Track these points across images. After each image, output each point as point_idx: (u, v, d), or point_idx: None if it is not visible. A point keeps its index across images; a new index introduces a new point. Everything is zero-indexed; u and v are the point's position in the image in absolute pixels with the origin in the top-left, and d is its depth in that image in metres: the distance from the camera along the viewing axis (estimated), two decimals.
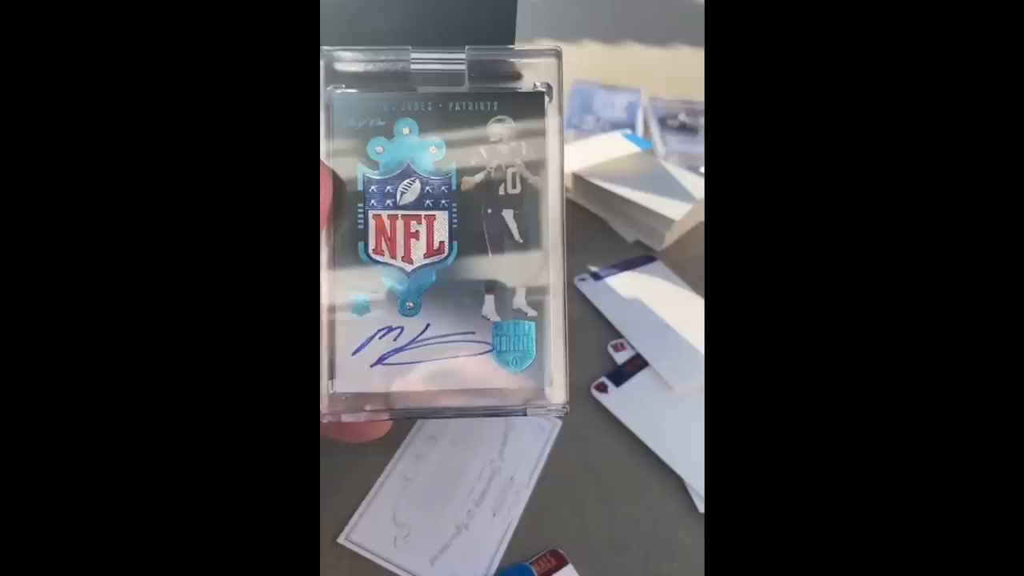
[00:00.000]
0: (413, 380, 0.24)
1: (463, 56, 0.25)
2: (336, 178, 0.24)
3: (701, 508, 0.38)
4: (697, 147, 0.67)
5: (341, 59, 0.24)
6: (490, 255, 0.24)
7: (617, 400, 0.43)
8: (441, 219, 0.24)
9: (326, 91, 0.24)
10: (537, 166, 0.25)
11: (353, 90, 0.24)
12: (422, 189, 0.24)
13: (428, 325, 0.24)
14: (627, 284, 0.52)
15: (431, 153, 0.24)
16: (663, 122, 0.70)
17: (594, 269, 0.53)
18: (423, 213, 0.24)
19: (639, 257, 0.55)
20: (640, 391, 0.44)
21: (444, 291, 0.24)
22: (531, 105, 0.25)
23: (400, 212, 0.24)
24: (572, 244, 0.25)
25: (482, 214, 0.24)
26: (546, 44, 0.25)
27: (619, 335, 0.48)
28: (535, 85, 0.25)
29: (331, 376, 0.24)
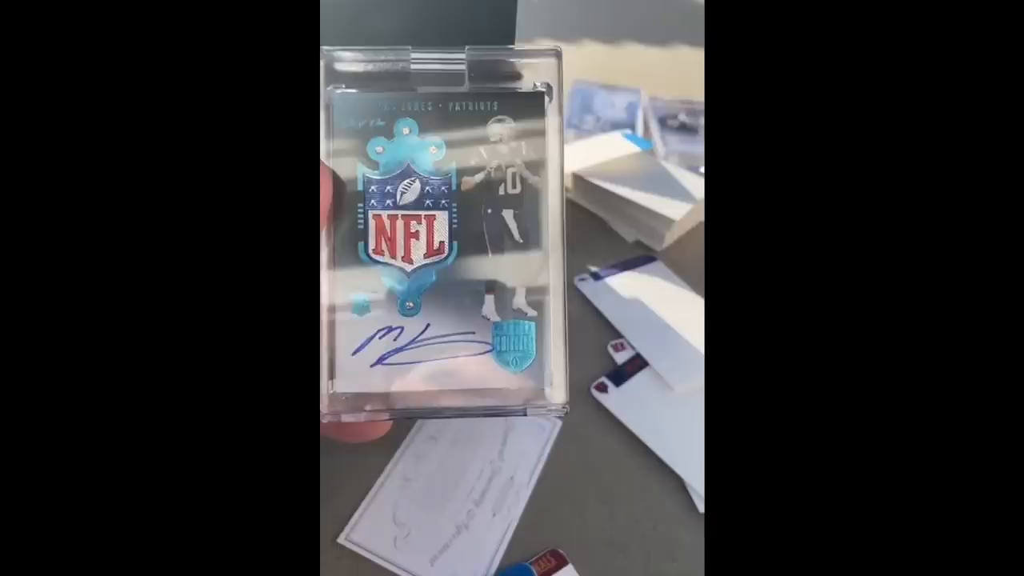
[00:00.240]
0: (413, 380, 0.24)
1: (463, 56, 0.25)
2: (336, 178, 0.24)
3: (701, 508, 0.38)
4: (697, 147, 0.67)
5: (341, 59, 0.24)
6: (490, 255, 0.24)
7: (617, 400, 0.43)
8: (441, 219, 0.24)
9: (326, 91, 0.24)
10: (537, 166, 0.25)
11: (353, 90, 0.24)
12: (422, 189, 0.24)
13: (428, 325, 0.24)
14: (627, 284, 0.52)
15: (431, 153, 0.24)
16: (663, 122, 0.70)
17: (594, 269, 0.53)
18: (423, 213, 0.24)
19: (639, 257, 0.55)
20: (640, 391, 0.44)
21: (444, 291, 0.24)
22: (531, 105, 0.25)
23: (400, 212, 0.24)
24: (572, 244, 0.25)
25: (482, 214, 0.24)
26: (546, 44, 0.25)
27: (619, 335, 0.48)
28: (535, 85, 0.25)
29: (331, 376, 0.24)
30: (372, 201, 0.24)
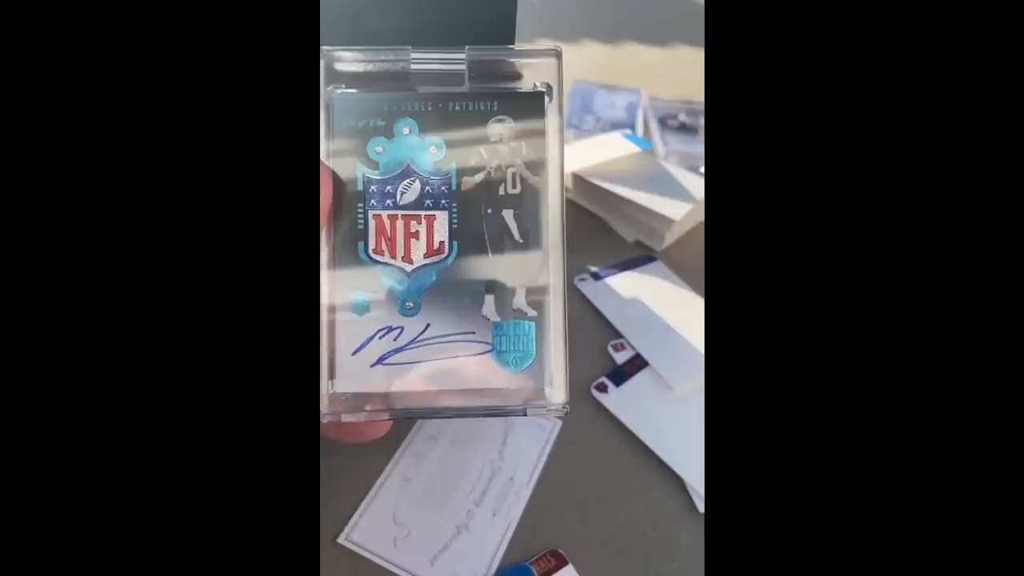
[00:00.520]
0: (413, 380, 0.24)
1: (463, 56, 0.25)
2: (336, 178, 0.24)
3: (701, 508, 0.38)
4: (697, 147, 0.67)
5: (341, 59, 0.24)
6: (490, 255, 0.24)
7: (617, 400, 0.43)
8: (441, 219, 0.24)
9: (326, 91, 0.24)
10: (537, 166, 0.25)
11: (353, 90, 0.24)
12: (422, 189, 0.24)
13: (428, 325, 0.24)
14: (627, 284, 0.52)
15: (431, 153, 0.24)
16: (663, 122, 0.70)
17: (594, 269, 0.53)
18: (423, 213, 0.24)
19: (639, 257, 0.55)
20: (640, 391, 0.44)
21: (444, 291, 0.24)
22: (531, 105, 0.25)
23: (400, 212, 0.24)
24: (572, 244, 0.25)
25: (482, 214, 0.24)
26: (546, 44, 0.25)
27: (619, 335, 0.48)
28: (535, 85, 0.25)
29: (331, 376, 0.24)
30: (372, 201, 0.24)
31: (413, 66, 0.25)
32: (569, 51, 0.48)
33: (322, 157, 0.24)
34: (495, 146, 0.25)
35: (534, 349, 0.24)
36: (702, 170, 0.62)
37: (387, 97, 0.24)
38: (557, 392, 0.24)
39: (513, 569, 0.35)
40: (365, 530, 0.36)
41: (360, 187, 0.24)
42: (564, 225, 0.25)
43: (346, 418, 0.24)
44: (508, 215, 0.24)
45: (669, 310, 0.49)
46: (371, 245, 0.24)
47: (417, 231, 0.24)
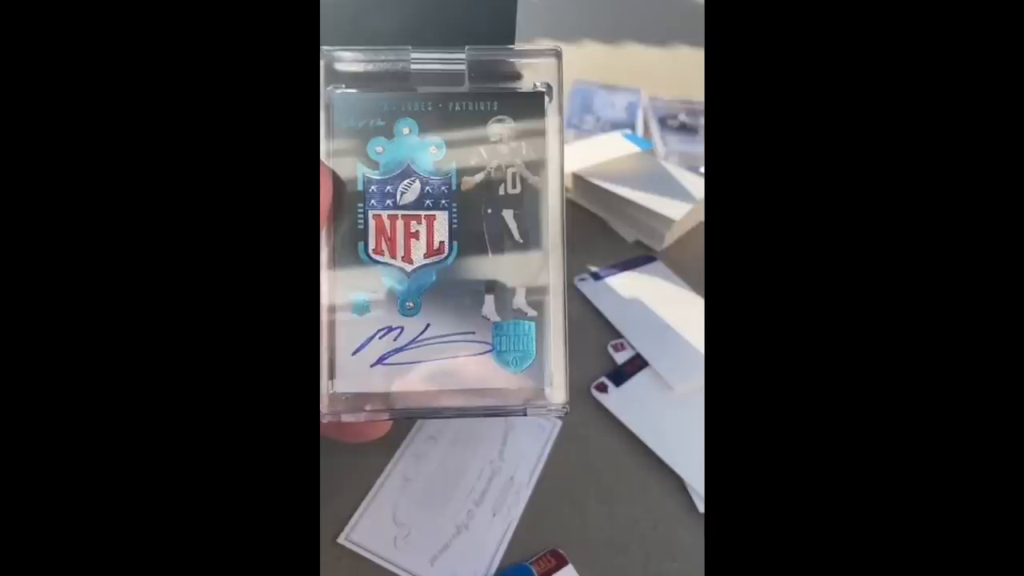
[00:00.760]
0: (413, 380, 0.24)
1: (463, 56, 0.25)
2: (336, 178, 0.24)
3: (701, 508, 0.38)
4: (697, 147, 0.67)
5: (341, 59, 0.24)
6: (490, 255, 0.24)
7: (617, 400, 0.43)
8: (441, 219, 0.24)
9: (326, 91, 0.24)
10: (537, 166, 0.25)
11: (353, 90, 0.24)
12: (422, 189, 0.24)
13: (428, 325, 0.24)
14: (627, 284, 0.52)
15: (431, 153, 0.24)
16: (663, 122, 0.70)
17: (594, 269, 0.53)
18: (423, 213, 0.24)
19: (639, 257, 0.55)
20: (640, 391, 0.44)
21: (444, 291, 0.24)
22: (531, 105, 0.25)
23: (400, 212, 0.24)
24: (572, 244, 0.25)
25: (482, 214, 0.24)
26: (546, 44, 0.25)
27: (619, 335, 0.48)
28: (535, 85, 0.25)
29: (331, 376, 0.24)
30: (372, 201, 0.24)
31: (413, 66, 0.25)
32: (569, 51, 0.48)
33: (322, 157, 0.24)
34: (495, 146, 0.25)
35: (534, 349, 0.24)
36: (702, 170, 0.62)
37: (387, 97, 0.24)
38: (557, 392, 0.24)
39: (513, 569, 0.35)
40: (365, 530, 0.36)
41: (360, 187, 0.24)
42: (564, 225, 0.25)
43: (346, 418, 0.24)
44: (508, 215, 0.24)
45: (669, 310, 0.49)
46: (371, 245, 0.24)
47: (417, 231, 0.24)
